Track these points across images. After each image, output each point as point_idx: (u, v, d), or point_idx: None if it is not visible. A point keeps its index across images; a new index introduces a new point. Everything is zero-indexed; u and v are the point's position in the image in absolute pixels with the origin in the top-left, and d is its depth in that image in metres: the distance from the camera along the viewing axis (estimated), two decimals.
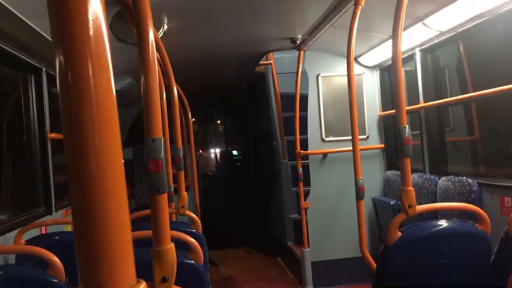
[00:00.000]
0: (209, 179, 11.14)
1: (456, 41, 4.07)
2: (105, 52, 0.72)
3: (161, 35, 3.59)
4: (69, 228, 3.61)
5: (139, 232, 2.51)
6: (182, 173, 3.67)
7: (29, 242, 2.84)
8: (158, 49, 2.97)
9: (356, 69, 5.22)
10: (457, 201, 3.59)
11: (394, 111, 2.84)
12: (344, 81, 4.22)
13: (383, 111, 5.49)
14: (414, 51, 4.54)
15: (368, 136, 5.50)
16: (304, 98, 5.49)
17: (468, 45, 4.06)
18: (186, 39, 4.67)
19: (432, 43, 4.26)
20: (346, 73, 3.46)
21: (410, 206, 2.47)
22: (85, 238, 0.69)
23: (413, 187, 2.53)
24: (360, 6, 3.22)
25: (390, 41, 2.72)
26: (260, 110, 8.66)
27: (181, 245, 2.18)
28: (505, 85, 3.15)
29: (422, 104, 4.45)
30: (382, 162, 5.54)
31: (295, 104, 5.37)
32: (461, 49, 4.16)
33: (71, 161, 0.70)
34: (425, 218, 3.49)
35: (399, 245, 2.40)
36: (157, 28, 3.55)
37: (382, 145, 5.51)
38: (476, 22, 3.54)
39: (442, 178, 3.94)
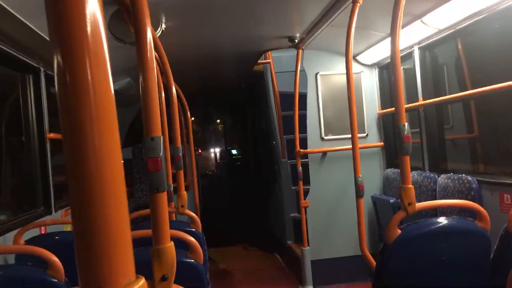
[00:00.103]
0: (209, 179, 11.14)
1: (454, 38, 4.07)
2: (103, 52, 0.72)
3: (159, 34, 3.59)
4: (68, 228, 3.61)
5: (138, 231, 2.52)
6: (181, 172, 3.67)
7: (29, 242, 2.84)
8: (156, 48, 2.97)
9: (355, 67, 5.22)
10: (456, 199, 3.59)
11: (393, 109, 2.84)
12: (343, 80, 4.22)
13: (382, 109, 5.50)
14: (412, 49, 4.54)
15: (367, 135, 5.50)
16: (303, 97, 5.49)
17: (467, 42, 4.06)
18: (184, 38, 4.67)
19: (430, 40, 4.26)
20: (345, 71, 3.47)
21: (409, 204, 2.48)
22: (85, 236, 0.69)
23: (412, 185, 2.54)
24: (358, 4, 3.22)
25: (388, 39, 2.72)
26: (259, 109, 8.66)
27: (181, 244, 2.19)
28: (503, 82, 3.16)
29: (421, 102, 4.45)
30: (382, 160, 5.54)
31: (294, 103, 5.37)
32: (460, 47, 4.16)
33: (70, 161, 0.70)
34: (424, 216, 3.49)
35: (398, 242, 2.40)
36: (155, 27, 3.54)
37: (382, 143, 5.51)
38: (475, 19, 3.54)
39: (442, 175, 3.94)
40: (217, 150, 12.11)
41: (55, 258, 2.17)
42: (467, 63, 4.14)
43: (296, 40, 5.00)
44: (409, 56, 4.64)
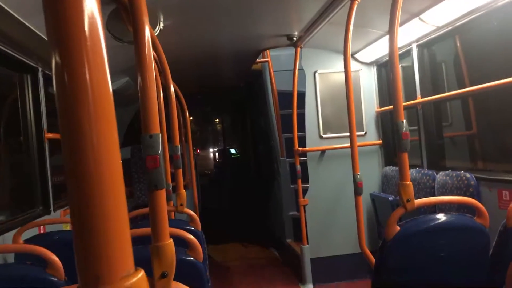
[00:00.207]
0: (208, 178, 11.13)
1: (452, 36, 4.08)
2: (101, 51, 0.72)
3: (157, 33, 3.58)
4: (67, 227, 3.61)
5: (137, 230, 2.52)
6: (180, 171, 3.67)
7: (28, 241, 2.84)
8: (154, 47, 2.97)
9: (353, 65, 5.23)
10: (455, 196, 3.60)
11: (391, 107, 2.84)
12: (341, 78, 4.23)
13: (380, 107, 5.50)
14: (411, 46, 4.54)
15: (366, 133, 5.51)
16: (302, 95, 5.50)
17: (465, 39, 4.06)
18: (183, 37, 4.66)
19: (428, 38, 4.26)
20: (343, 69, 3.47)
21: (408, 200, 2.48)
22: (84, 232, 0.69)
23: (411, 182, 2.54)
24: (357, 2, 3.22)
25: (386, 37, 2.73)
26: (258, 108, 8.66)
27: (180, 243, 2.19)
28: (502, 79, 3.16)
29: (419, 99, 4.46)
30: (380, 158, 5.55)
31: (292, 101, 5.38)
32: (458, 44, 4.17)
33: (69, 160, 0.70)
34: (423, 213, 3.50)
35: (397, 239, 2.40)
36: (153, 26, 3.54)
37: (380, 141, 5.52)
38: (472, 16, 3.55)
39: (440, 173, 3.95)
40: (216, 149, 12.10)
41: (55, 257, 2.17)
42: (465, 60, 4.14)
43: (294, 39, 5.00)
44: (407, 53, 4.65)
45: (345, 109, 3.57)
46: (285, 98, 6.45)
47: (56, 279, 2.13)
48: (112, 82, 0.75)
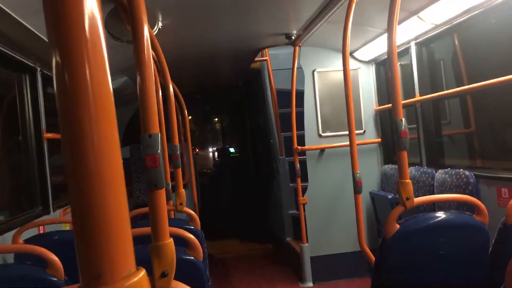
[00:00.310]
0: (207, 177, 11.14)
1: (451, 34, 4.08)
2: (101, 50, 0.72)
3: (155, 32, 3.58)
4: (67, 227, 3.61)
5: (137, 229, 2.51)
6: (179, 171, 3.67)
7: (28, 241, 2.83)
8: (153, 46, 2.97)
9: (352, 64, 5.22)
10: (454, 194, 3.60)
11: (390, 105, 2.84)
12: (340, 76, 4.23)
13: (379, 105, 5.51)
14: (409, 44, 4.54)
15: (364, 131, 5.51)
16: (301, 94, 5.50)
17: (463, 37, 4.06)
18: (181, 37, 4.66)
19: (427, 36, 4.26)
20: (341, 68, 3.47)
21: (408, 199, 2.49)
22: (85, 232, 0.69)
23: (410, 180, 2.54)
24: (355, 0, 3.22)
25: (385, 35, 2.73)
26: (257, 107, 8.65)
27: (180, 242, 2.19)
28: (500, 76, 3.16)
29: (418, 97, 4.46)
30: (379, 156, 5.55)
31: (291, 100, 5.38)
32: (456, 42, 4.17)
33: (70, 160, 0.70)
34: (422, 211, 3.50)
35: (397, 237, 2.41)
36: (151, 25, 3.54)
37: (379, 140, 5.52)
38: (471, 14, 3.55)
39: (439, 171, 3.95)
40: (215, 148, 12.10)
41: (54, 257, 2.17)
42: (463, 58, 4.15)
43: (293, 37, 5.00)
44: (406, 52, 4.65)
45: (344, 107, 3.57)
46: (284, 96, 6.45)
47: (56, 279, 2.13)
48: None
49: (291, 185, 6.60)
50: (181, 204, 3.58)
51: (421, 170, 4.30)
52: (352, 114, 3.45)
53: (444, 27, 3.96)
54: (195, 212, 3.67)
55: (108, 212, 0.70)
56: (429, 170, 4.18)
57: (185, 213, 3.66)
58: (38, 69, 3.66)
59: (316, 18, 4.26)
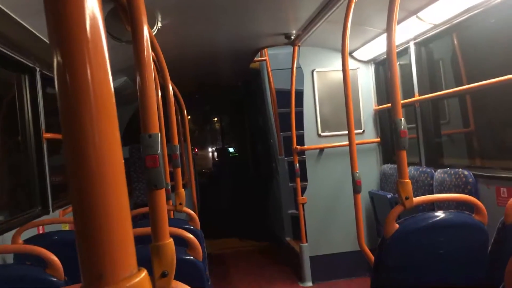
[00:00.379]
0: (206, 177, 11.14)
1: (450, 33, 4.08)
2: (102, 50, 0.72)
3: (155, 32, 3.58)
4: (66, 227, 3.61)
5: (137, 229, 2.51)
6: (179, 170, 3.67)
7: (27, 242, 2.83)
8: (152, 46, 2.97)
9: (351, 63, 5.23)
10: (453, 193, 3.61)
11: (389, 105, 2.85)
12: (339, 76, 4.24)
13: (378, 105, 5.51)
14: (408, 44, 4.55)
15: (364, 131, 5.52)
16: (300, 94, 5.50)
17: (462, 37, 4.07)
18: (180, 37, 4.66)
19: (426, 36, 4.27)
20: (341, 68, 3.47)
21: (407, 198, 2.49)
22: (86, 232, 0.69)
23: (409, 179, 2.55)
24: (354, 0, 3.22)
25: (384, 35, 2.73)
26: (256, 107, 8.66)
27: (179, 242, 2.19)
28: (499, 76, 3.17)
29: (417, 97, 4.47)
30: (379, 156, 5.56)
31: (290, 100, 5.38)
32: (455, 42, 4.17)
33: (71, 160, 0.70)
34: (422, 211, 3.51)
35: (396, 237, 2.41)
36: (151, 25, 3.54)
37: (378, 139, 5.53)
38: (470, 14, 3.55)
39: (438, 170, 3.96)
40: (214, 148, 12.10)
41: (54, 257, 2.17)
42: (462, 58, 4.15)
43: (292, 37, 5.00)
44: (405, 51, 4.65)
45: (343, 107, 3.58)
46: (283, 96, 6.46)
47: (55, 279, 2.13)
48: None
49: (290, 184, 6.61)
50: (180, 204, 3.58)
51: (420, 169, 4.31)
52: (351, 113, 3.46)
53: (443, 27, 3.96)
54: (194, 212, 3.67)
55: (110, 212, 0.70)
56: (428, 170, 4.19)
57: (185, 213, 3.66)
58: (38, 69, 3.66)
59: (316, 18, 4.26)
